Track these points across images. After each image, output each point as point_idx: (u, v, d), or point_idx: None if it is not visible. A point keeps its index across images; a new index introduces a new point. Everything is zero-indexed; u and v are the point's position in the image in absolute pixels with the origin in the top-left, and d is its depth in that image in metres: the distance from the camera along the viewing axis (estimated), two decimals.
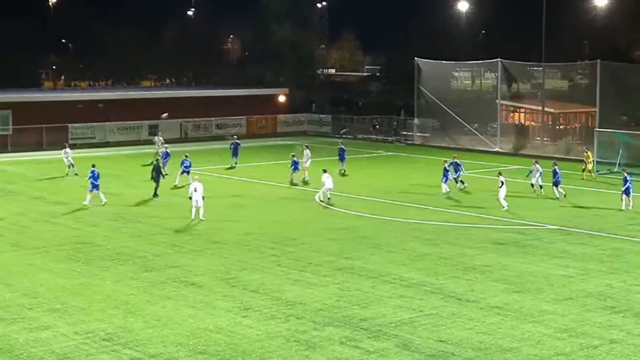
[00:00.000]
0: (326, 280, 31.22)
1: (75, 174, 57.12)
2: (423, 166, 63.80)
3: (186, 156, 54.24)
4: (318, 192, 48.96)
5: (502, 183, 45.53)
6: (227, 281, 31.08)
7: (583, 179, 55.19)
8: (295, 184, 54.09)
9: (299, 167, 55.06)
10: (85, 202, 46.66)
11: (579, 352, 23.56)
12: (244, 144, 72.65)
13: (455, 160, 52.53)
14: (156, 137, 67.56)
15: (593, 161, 57.10)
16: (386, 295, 29.21)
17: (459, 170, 51.83)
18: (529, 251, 35.98)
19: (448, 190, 49.90)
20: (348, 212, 45.27)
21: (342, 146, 61.38)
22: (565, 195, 48.59)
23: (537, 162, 50.38)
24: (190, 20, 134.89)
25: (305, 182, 54.39)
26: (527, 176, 50.90)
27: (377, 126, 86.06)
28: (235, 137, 66.61)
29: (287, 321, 26.24)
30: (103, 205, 46.27)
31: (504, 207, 45.16)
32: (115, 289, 30.03)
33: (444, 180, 50.28)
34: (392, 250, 36.01)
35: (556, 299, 28.83)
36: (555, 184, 48.66)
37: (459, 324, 25.94)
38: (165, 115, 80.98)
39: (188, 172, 52.95)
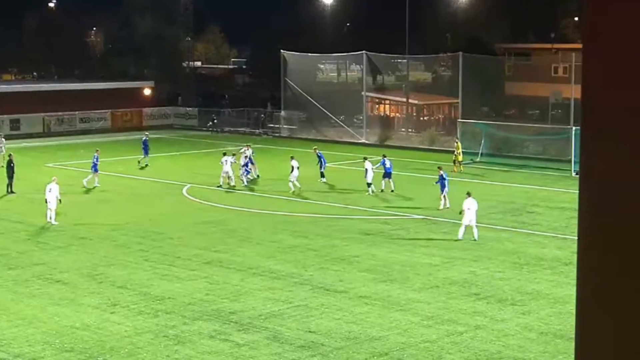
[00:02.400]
0: (195, 274, 31.08)
1: None
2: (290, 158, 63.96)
3: (97, 151, 52.31)
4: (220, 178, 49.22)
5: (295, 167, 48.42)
6: (94, 277, 30.64)
7: (454, 170, 55.53)
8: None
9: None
10: None
11: (445, 338, 24.06)
12: (109, 137, 71.83)
13: (317, 151, 52.84)
14: None
15: (462, 152, 57.20)
16: (255, 287, 29.26)
17: (322, 162, 52.00)
18: (396, 241, 36.53)
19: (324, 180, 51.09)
20: (217, 205, 45.13)
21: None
22: (383, 190, 48.08)
23: (366, 159, 49.20)
24: (51, 12, 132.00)
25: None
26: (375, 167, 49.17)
27: (215, 120, 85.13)
28: (147, 133, 64.63)
29: (156, 316, 26.04)
30: None
31: (291, 189, 47.92)
32: None
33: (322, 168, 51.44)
34: (261, 243, 36.07)
35: (422, 287, 29.36)
36: (386, 175, 48.07)
37: (328, 315, 26.17)
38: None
39: (95, 168, 50.69)
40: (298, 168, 49.00)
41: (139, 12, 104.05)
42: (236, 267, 31.98)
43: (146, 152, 60.29)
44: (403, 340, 23.87)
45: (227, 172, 50.39)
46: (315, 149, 54.31)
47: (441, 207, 43.17)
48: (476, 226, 36.67)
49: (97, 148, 54.04)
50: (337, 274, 31.13)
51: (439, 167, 45.14)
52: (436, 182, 44.11)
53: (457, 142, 57.58)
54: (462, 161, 56.58)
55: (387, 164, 48.21)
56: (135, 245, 35.82)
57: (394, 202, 45.57)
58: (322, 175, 51.50)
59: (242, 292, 28.75)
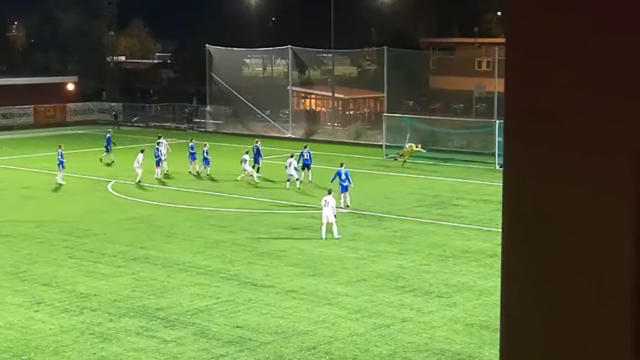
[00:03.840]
0: (121, 270, 30.83)
1: None
2: (216, 153, 63.73)
3: (60, 147, 51.24)
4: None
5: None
6: (17, 275, 30.21)
7: (396, 159, 57.27)
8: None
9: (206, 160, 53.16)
10: None
11: (372, 331, 24.19)
12: (32, 134, 70.97)
13: (257, 145, 53.12)
14: None
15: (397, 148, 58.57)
16: (182, 283, 29.13)
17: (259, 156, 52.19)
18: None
19: (256, 174, 51.02)
20: (142, 201, 44.80)
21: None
22: (302, 181, 48.57)
23: (292, 156, 48.98)
24: None
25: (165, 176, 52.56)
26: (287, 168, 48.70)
27: (117, 117, 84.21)
28: (110, 130, 63.42)
29: (82, 314, 25.78)
30: None
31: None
32: None
33: (255, 162, 51.65)
34: (187, 239, 35.90)
35: (349, 281, 29.48)
36: (305, 167, 48.89)
37: (256, 309, 26.16)
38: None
39: (61, 165, 49.70)
40: (247, 162, 50.04)
41: (62, 6, 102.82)
42: (162, 263, 31.79)
43: (109, 149, 59.04)
44: (331, 334, 23.95)
45: (136, 167, 49.84)
46: (257, 141, 54.56)
47: (341, 204, 41.82)
48: (327, 224, 35.56)
49: (61, 144, 53.09)
50: (264, 268, 31.12)
51: (341, 164, 45.04)
52: (332, 181, 43.49)
53: (412, 146, 58.46)
54: (404, 157, 57.52)
55: (306, 155, 48.66)
56: (59, 242, 35.39)
57: (321, 197, 45.54)
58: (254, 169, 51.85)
59: (168, 288, 28.60)
